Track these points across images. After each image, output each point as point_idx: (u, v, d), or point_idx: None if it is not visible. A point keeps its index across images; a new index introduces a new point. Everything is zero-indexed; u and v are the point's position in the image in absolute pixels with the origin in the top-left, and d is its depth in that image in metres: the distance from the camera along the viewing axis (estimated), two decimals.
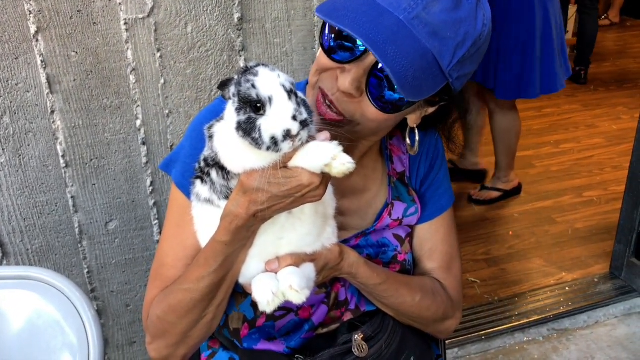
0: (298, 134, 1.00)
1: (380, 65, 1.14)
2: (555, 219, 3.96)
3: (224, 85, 1.07)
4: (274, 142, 0.99)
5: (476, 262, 3.53)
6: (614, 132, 5.22)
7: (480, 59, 1.24)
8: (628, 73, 6.70)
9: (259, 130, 0.99)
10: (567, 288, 3.24)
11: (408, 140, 1.37)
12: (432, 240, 1.51)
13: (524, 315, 3.03)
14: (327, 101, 1.21)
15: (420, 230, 1.50)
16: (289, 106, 1.00)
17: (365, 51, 1.15)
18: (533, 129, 5.31)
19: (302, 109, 1.02)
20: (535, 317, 3.01)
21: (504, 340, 2.90)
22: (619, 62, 7.14)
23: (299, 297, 1.10)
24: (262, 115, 1.00)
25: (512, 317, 3.02)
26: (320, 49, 1.22)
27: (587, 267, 3.46)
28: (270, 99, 0.99)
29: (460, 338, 2.87)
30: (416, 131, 1.35)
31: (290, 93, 1.01)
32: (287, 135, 0.99)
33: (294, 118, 1.00)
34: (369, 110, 1.19)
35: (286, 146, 1.00)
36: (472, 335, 2.89)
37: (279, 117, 0.99)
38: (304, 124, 1.01)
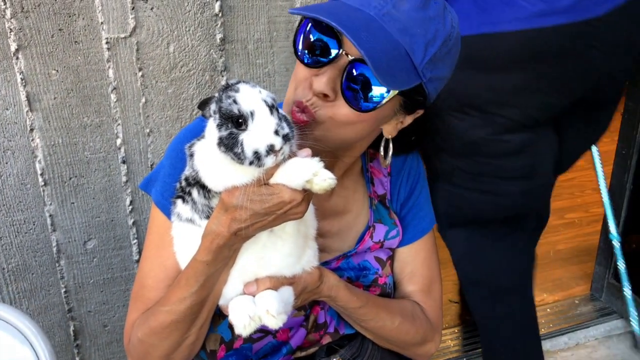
0: (281, 148, 1.00)
1: (353, 68, 1.14)
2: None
3: (204, 104, 1.07)
4: (257, 157, 0.99)
5: (457, 282, 3.52)
6: None
7: (453, 65, 1.25)
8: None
9: (242, 145, 0.99)
10: (548, 309, 3.25)
11: (382, 151, 1.37)
12: (413, 263, 1.51)
13: None
14: (300, 108, 1.20)
15: (400, 253, 1.50)
16: (272, 121, 1.00)
17: (338, 55, 1.15)
18: None
19: (284, 124, 1.02)
20: None
21: None
22: None
23: (275, 322, 1.10)
24: (244, 130, 1.00)
25: None
26: (297, 65, 1.23)
27: (568, 288, 3.47)
28: (252, 114, 1.00)
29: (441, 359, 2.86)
30: (390, 144, 1.36)
31: (272, 108, 1.01)
32: (271, 149, 0.99)
33: (276, 132, 1.00)
34: (342, 112, 1.17)
35: (269, 161, 1.00)
36: (453, 357, 2.87)
37: (261, 132, 0.99)
38: (286, 139, 1.01)
